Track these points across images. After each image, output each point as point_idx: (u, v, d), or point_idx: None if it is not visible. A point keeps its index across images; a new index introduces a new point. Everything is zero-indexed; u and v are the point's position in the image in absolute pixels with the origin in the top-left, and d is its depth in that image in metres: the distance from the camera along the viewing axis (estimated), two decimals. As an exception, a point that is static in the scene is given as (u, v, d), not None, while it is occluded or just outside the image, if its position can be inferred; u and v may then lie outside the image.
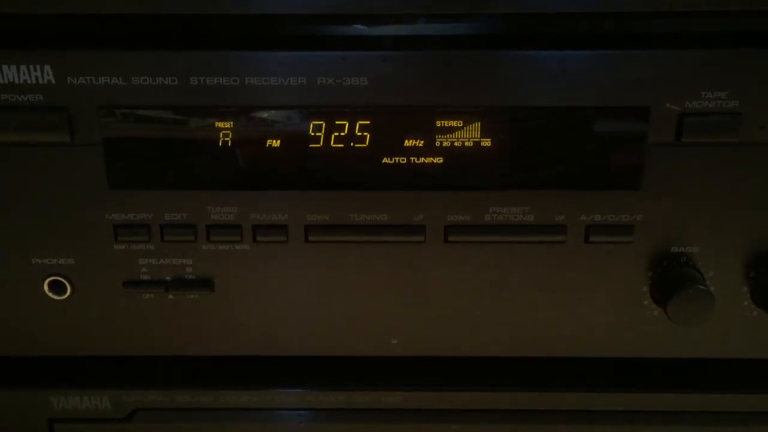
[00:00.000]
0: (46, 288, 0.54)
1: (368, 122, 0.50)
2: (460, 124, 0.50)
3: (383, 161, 0.51)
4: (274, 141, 0.51)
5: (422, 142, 0.51)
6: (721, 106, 0.48)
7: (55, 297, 0.54)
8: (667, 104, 0.48)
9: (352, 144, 0.51)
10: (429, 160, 0.51)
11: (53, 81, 0.48)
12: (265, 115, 0.50)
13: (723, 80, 0.47)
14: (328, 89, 0.48)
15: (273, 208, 0.52)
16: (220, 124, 0.50)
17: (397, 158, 0.51)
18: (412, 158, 0.51)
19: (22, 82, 0.48)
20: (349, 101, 0.49)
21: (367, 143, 0.51)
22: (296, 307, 0.55)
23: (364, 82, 0.48)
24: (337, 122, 0.50)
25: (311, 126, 0.50)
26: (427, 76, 0.49)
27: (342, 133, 0.51)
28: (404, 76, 0.48)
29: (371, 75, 0.48)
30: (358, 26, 0.50)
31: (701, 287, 0.52)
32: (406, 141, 0.51)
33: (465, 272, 0.54)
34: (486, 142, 0.51)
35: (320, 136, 0.50)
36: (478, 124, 0.50)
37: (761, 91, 0.47)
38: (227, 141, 0.50)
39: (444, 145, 0.51)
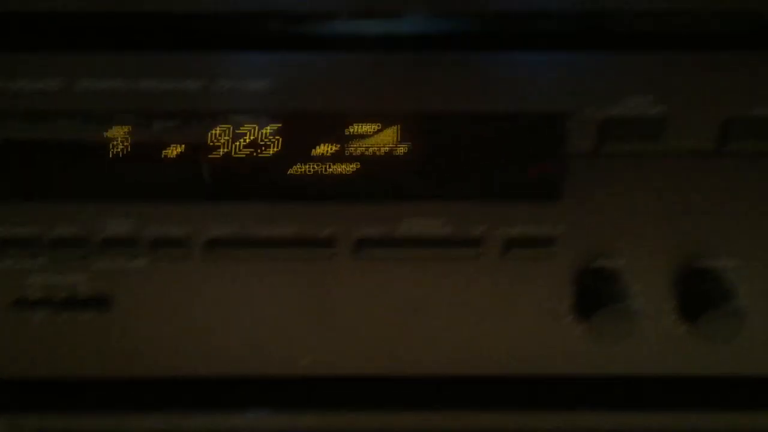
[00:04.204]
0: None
1: (274, 129, 0.46)
2: (372, 131, 0.47)
3: (290, 171, 0.48)
4: (172, 149, 0.47)
5: (332, 150, 0.47)
6: (645, 112, 0.45)
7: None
8: (587, 110, 0.45)
9: (256, 152, 0.47)
10: (340, 169, 0.48)
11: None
12: (161, 120, 0.46)
13: (647, 85, 0.45)
14: (228, 93, 0.45)
15: (172, 221, 0.48)
16: (112, 130, 0.46)
17: (305, 167, 0.48)
18: (321, 167, 0.48)
19: None
20: (251, 106, 0.45)
21: (272, 151, 0.47)
22: (199, 326, 0.52)
23: (266, 85, 0.44)
24: (239, 129, 0.47)
25: (211, 133, 0.46)
26: (335, 80, 0.45)
27: (245, 141, 0.47)
28: (312, 80, 0.45)
29: (275, 78, 0.44)
30: (264, 25, 0.47)
31: (625, 303, 0.49)
32: (315, 149, 0.47)
33: (378, 288, 0.51)
34: (400, 150, 0.47)
35: (221, 144, 0.47)
36: (391, 131, 0.47)
37: (687, 96, 0.45)
38: (120, 148, 0.47)
39: (356, 153, 0.47)
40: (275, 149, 0.47)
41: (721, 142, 0.46)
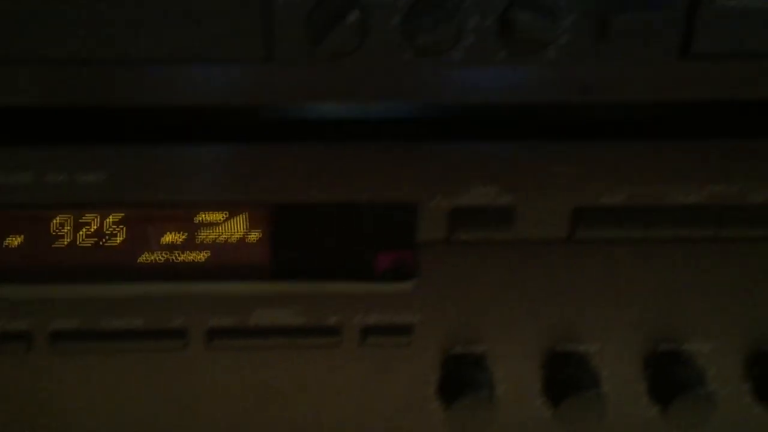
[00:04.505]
0: None
1: (117, 218, 0.45)
2: (221, 219, 0.46)
3: (139, 259, 0.46)
4: (12, 239, 0.45)
5: (181, 238, 0.46)
6: (493, 201, 0.45)
7: None
8: (436, 200, 0.45)
9: (101, 241, 0.46)
10: (190, 257, 0.46)
11: None
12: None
13: (492, 175, 0.44)
14: (66, 185, 0.43)
15: (14, 313, 0.46)
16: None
17: (154, 256, 0.46)
18: (171, 256, 0.46)
19: None
20: (89, 197, 0.44)
21: (118, 241, 0.46)
22: (47, 424, 0.49)
23: (103, 177, 0.43)
24: (81, 219, 0.45)
25: (53, 223, 0.45)
26: (180, 170, 0.44)
27: (89, 230, 0.45)
28: (155, 170, 0.44)
29: (113, 169, 0.43)
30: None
31: (483, 392, 0.48)
32: (164, 237, 0.46)
33: (232, 378, 0.49)
34: (251, 238, 0.46)
35: (65, 233, 0.45)
36: (241, 219, 0.46)
37: (534, 185, 0.44)
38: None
39: (206, 241, 0.46)
40: (120, 239, 0.46)
41: (571, 230, 0.46)
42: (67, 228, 0.46)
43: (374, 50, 0.39)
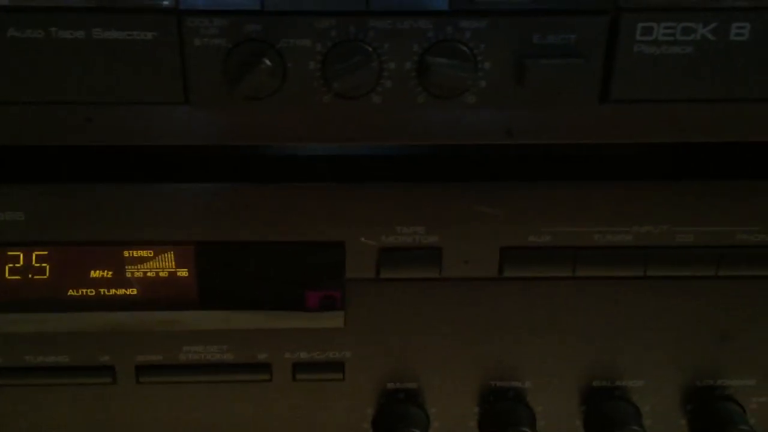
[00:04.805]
0: None
1: (41, 255, 0.45)
2: (149, 255, 0.46)
3: (68, 293, 0.46)
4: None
5: (108, 274, 0.46)
6: (419, 241, 0.45)
7: None
8: (362, 239, 0.45)
9: (28, 277, 0.45)
10: (118, 293, 0.46)
11: None
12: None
13: (419, 215, 0.44)
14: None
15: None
16: None
17: (81, 292, 0.46)
18: (98, 292, 0.46)
19: None
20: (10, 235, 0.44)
21: (44, 277, 0.46)
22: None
23: (20, 216, 0.43)
24: (9, 253, 0.45)
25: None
26: (106, 208, 0.44)
27: (17, 265, 0.45)
28: (79, 208, 0.44)
29: (33, 208, 0.43)
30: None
31: (417, 428, 0.48)
32: (91, 273, 0.46)
33: (162, 415, 0.49)
34: (180, 274, 0.46)
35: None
36: (169, 257, 0.46)
37: (460, 225, 0.45)
38: None
39: (134, 276, 0.46)
40: (46, 275, 0.45)
41: (500, 269, 0.46)
42: (-7, 263, 0.46)
43: (293, 93, 0.39)
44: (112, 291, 0.47)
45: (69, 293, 0.47)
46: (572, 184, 0.45)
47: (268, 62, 0.38)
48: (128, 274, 0.46)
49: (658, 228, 0.45)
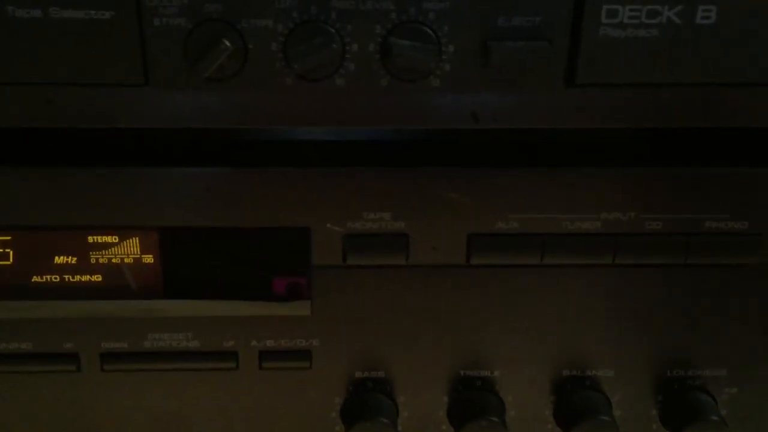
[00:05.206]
0: None
1: (4, 240, 0.44)
2: (114, 241, 0.46)
3: (32, 279, 0.46)
4: None
5: (73, 260, 0.45)
6: (386, 227, 0.44)
7: None
8: (328, 225, 0.44)
9: (-9, 262, 0.45)
10: (83, 279, 0.46)
11: None
12: None
13: (385, 201, 0.44)
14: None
15: None
16: None
17: (46, 278, 0.46)
18: (64, 278, 0.46)
19: None
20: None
21: (7, 263, 0.45)
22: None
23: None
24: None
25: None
26: (70, 194, 0.43)
27: (-23, 251, 0.45)
28: (40, 194, 0.43)
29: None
30: None
31: (384, 416, 0.48)
32: (56, 259, 0.45)
33: (128, 403, 0.48)
34: (146, 260, 0.46)
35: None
36: (134, 241, 0.45)
37: (427, 212, 0.44)
38: None
39: (99, 263, 0.46)
40: (8, 261, 0.45)
41: (468, 256, 0.46)
42: (-45, 249, 0.45)
43: (255, 75, 0.39)
44: (77, 277, 0.46)
45: (33, 279, 0.46)
46: (540, 171, 0.44)
47: (227, 43, 0.37)
48: (93, 260, 0.46)
49: (627, 215, 0.45)
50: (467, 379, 0.50)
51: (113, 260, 0.46)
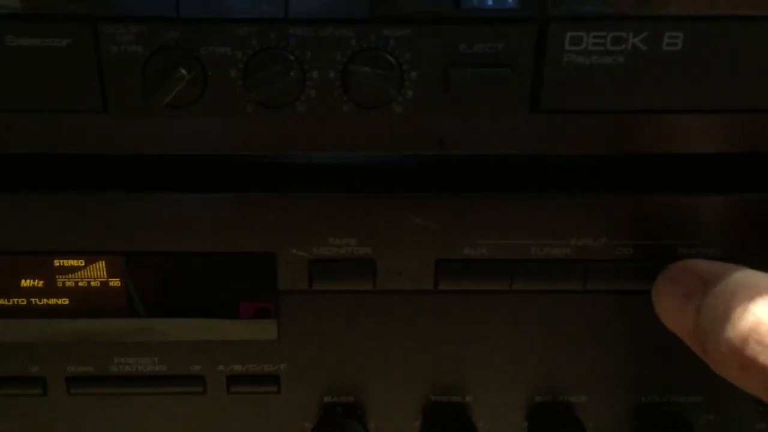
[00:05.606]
0: None
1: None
2: (81, 264, 0.45)
3: (-1, 304, 0.46)
4: None
5: (40, 284, 0.45)
6: (352, 252, 0.44)
7: None
8: (294, 251, 0.44)
9: (-42, 286, 0.45)
10: (50, 302, 0.46)
11: None
12: None
13: (351, 226, 0.43)
14: None
15: None
16: None
17: (12, 302, 0.45)
18: (30, 301, 0.45)
19: None
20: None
21: (-24, 285, 0.45)
22: None
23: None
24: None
25: None
26: (34, 219, 0.43)
27: (-56, 275, 0.45)
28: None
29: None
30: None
31: (359, 436, 0.47)
32: (23, 282, 0.45)
33: (95, 427, 0.48)
34: (112, 284, 0.45)
35: None
36: (99, 266, 0.45)
37: (394, 237, 0.44)
38: None
39: (66, 287, 0.45)
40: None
41: (436, 282, 0.45)
42: None
43: (214, 102, 0.38)
44: (44, 301, 0.46)
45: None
46: (509, 196, 0.44)
47: (184, 71, 0.37)
48: (59, 284, 0.45)
49: (597, 241, 0.44)
50: (438, 404, 0.50)
51: (80, 284, 0.46)
